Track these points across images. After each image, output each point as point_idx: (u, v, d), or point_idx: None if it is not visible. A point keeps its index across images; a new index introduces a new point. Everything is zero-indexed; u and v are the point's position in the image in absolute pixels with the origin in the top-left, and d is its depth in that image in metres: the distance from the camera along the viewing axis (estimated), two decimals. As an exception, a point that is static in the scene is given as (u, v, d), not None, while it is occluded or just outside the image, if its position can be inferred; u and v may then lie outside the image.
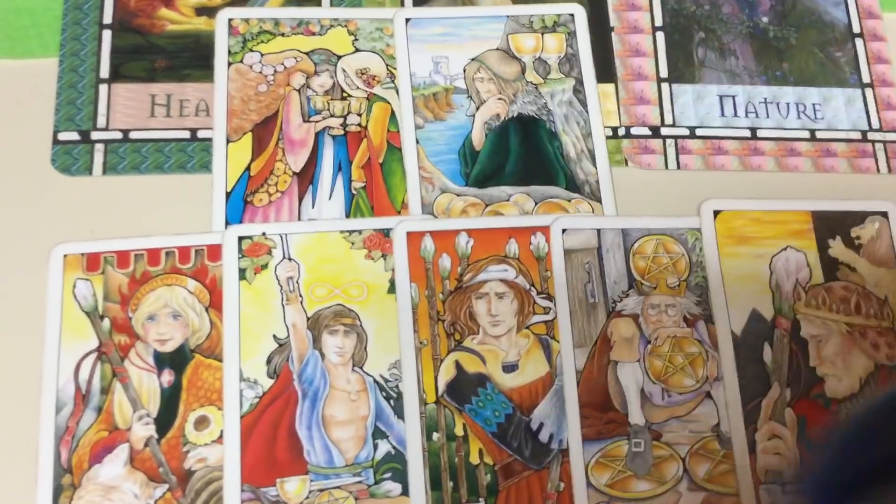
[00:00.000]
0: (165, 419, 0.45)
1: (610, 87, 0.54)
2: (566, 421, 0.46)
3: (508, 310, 0.48)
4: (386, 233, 0.49)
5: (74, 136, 0.50)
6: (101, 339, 0.46)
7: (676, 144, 0.53)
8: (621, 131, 0.53)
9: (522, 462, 0.45)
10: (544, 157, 0.52)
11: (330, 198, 0.50)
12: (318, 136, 0.51)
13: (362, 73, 0.53)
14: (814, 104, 0.54)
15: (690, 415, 0.46)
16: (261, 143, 0.51)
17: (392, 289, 0.48)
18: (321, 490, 0.44)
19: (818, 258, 0.50)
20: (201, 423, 0.45)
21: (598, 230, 0.49)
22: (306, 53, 0.53)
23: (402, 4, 0.55)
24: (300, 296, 0.47)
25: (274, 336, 0.46)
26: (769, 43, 0.56)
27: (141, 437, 0.44)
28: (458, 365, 0.47)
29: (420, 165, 0.51)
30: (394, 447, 0.45)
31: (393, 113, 0.52)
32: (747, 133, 0.53)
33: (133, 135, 0.50)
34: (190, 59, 0.52)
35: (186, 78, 0.52)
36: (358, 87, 0.52)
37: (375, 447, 0.45)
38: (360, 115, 0.52)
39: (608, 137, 0.53)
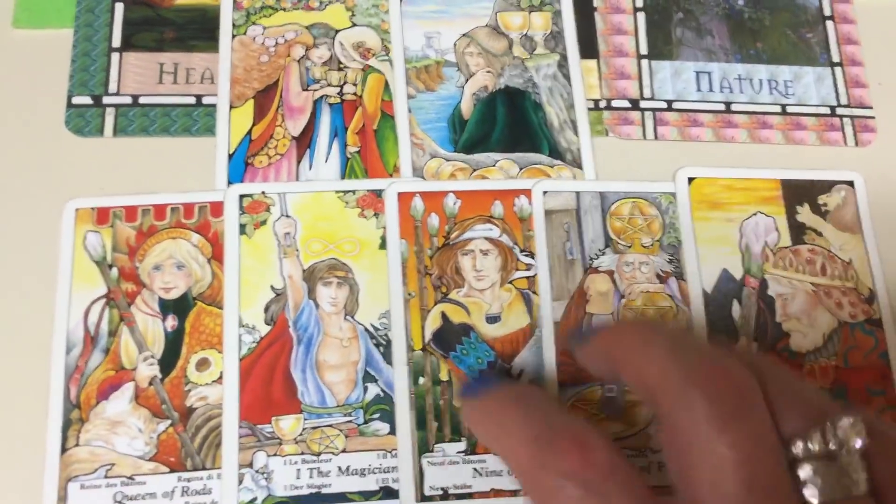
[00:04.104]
0: (169, 360, 0.48)
1: (592, 62, 0.57)
2: (544, 368, 0.49)
3: (492, 265, 0.51)
4: (378, 193, 0.52)
5: (87, 100, 0.53)
6: (110, 286, 0.49)
7: (654, 116, 0.56)
8: (602, 104, 0.56)
9: (503, 406, 0.48)
10: (529, 127, 0.55)
11: (326, 161, 0.53)
12: (316, 103, 0.54)
13: (358, 47, 0.56)
14: (785, 81, 0.58)
15: (661, 363, 0.49)
16: (262, 109, 0.54)
17: (383, 245, 0.51)
18: (314, 428, 0.47)
19: (787, 223, 0.53)
20: (202, 364, 0.48)
21: (577, 193, 0.52)
22: (306, 27, 0.56)
23: (398, -16, 0.58)
24: (297, 250, 0.50)
25: (271, 286, 0.49)
26: (744, 24, 0.59)
27: (145, 376, 0.47)
28: (443, 315, 0.50)
29: (412, 132, 0.54)
30: (382, 390, 0.48)
31: (387, 83, 0.55)
32: (722, 107, 0.57)
33: (142, 100, 0.53)
34: (196, 31, 0.55)
35: (193, 48, 0.55)
36: (354, 59, 0.56)
37: (365, 390, 0.48)
38: (355, 84, 0.55)
39: (590, 109, 0.56)
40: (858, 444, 0.31)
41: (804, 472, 0.31)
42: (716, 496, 0.30)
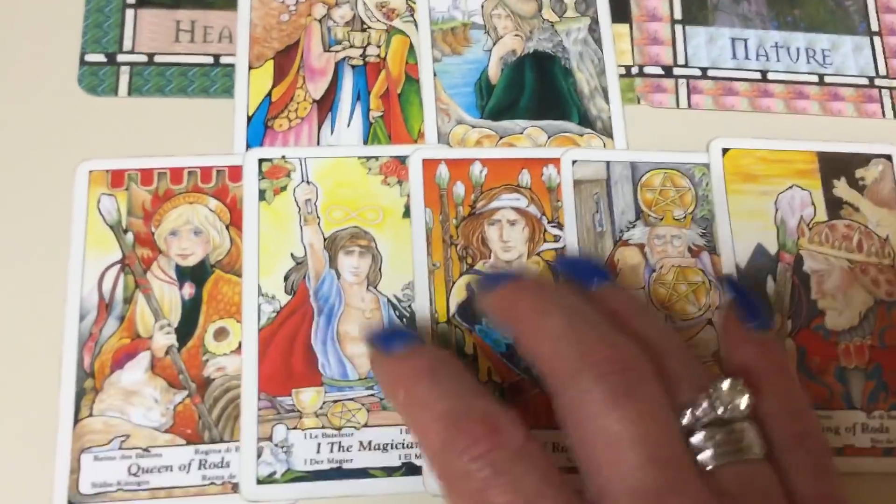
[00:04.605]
0: (186, 329, 0.46)
1: (624, 27, 0.55)
2: (573, 343, 0.47)
3: (520, 237, 0.49)
4: (402, 160, 0.50)
5: (101, 58, 0.51)
6: (125, 251, 0.47)
7: (688, 84, 0.54)
8: (634, 70, 0.54)
9: (530, 381, 0.47)
10: (558, 93, 0.53)
11: (348, 125, 0.51)
12: (338, 65, 0.52)
13: (382, 7, 0.54)
14: (823, 50, 0.56)
15: (692, 340, 0.48)
16: (282, 70, 0.52)
17: (407, 213, 0.49)
18: (335, 401, 0.46)
19: (822, 197, 0.51)
20: (221, 334, 0.46)
21: (608, 163, 0.51)
22: (328, -15, 0.54)
23: (423, -58, 0.56)
24: (318, 217, 0.49)
25: (291, 254, 0.48)
26: (781, -11, 0.57)
27: (162, 345, 0.46)
28: (469, 287, 0.48)
29: (437, 97, 0.52)
30: (405, 363, 0.47)
31: (411, 46, 0.53)
32: (758, 76, 0.55)
33: (158, 58, 0.51)
34: (214, -13, 0.53)
35: (211, 5, 0.53)
36: (378, 20, 0.54)
37: (388, 363, 0.47)
38: (379, 46, 0.53)
39: (621, 76, 0.54)
40: (743, 405, 0.32)
41: (696, 439, 0.32)
42: (615, 475, 0.30)
